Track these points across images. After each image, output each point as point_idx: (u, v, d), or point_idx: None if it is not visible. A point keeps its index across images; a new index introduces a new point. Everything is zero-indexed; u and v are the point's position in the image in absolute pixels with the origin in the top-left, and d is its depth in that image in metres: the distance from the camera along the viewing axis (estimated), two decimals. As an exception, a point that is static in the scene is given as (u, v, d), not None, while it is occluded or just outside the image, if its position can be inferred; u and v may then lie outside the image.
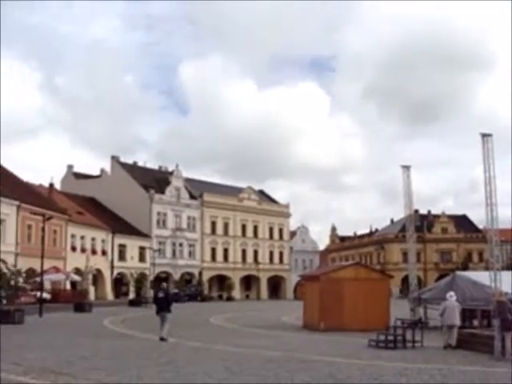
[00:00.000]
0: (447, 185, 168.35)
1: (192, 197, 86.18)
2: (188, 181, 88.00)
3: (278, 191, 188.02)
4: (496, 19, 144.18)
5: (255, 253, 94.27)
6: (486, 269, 63.36)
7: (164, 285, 22.44)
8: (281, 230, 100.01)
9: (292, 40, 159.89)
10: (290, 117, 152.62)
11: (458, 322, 19.19)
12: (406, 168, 32.11)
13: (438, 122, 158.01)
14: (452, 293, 19.92)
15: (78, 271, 58.30)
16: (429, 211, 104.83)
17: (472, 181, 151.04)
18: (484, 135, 24.26)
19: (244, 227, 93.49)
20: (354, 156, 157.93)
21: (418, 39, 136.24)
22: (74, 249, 63.51)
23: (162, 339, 19.81)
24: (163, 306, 20.41)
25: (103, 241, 69.72)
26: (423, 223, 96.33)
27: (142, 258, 75.87)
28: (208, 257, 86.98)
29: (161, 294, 20.85)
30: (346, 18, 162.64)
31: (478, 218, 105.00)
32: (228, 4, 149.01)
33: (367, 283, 26.71)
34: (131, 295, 64.80)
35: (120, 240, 72.99)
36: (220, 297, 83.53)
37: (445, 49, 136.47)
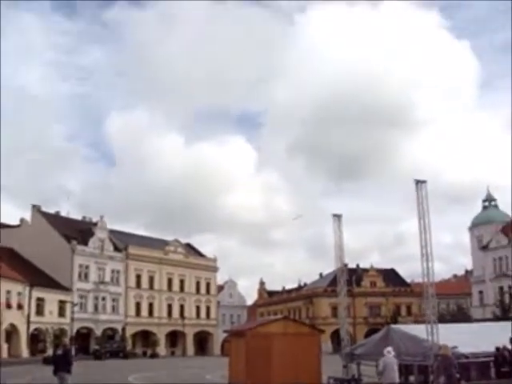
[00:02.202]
0: (373, 240, 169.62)
1: (116, 249, 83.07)
2: (112, 232, 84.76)
3: (206, 245, 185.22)
4: (419, 79, 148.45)
5: (181, 307, 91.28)
6: (415, 322, 63.25)
7: (66, 341, 20.19)
8: (208, 285, 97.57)
9: (220, 94, 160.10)
10: (217, 171, 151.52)
11: (397, 379, 17.71)
12: (337, 217, 30.95)
13: (363, 178, 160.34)
14: (390, 348, 18.44)
15: (-10, 327, 54.51)
16: (357, 265, 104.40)
17: (397, 235, 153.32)
18: (418, 182, 23.33)
19: (170, 281, 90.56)
20: (282, 211, 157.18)
21: (344, 96, 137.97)
22: (-14, 302, 59.52)
23: None
24: (61, 365, 18.11)
25: (19, 294, 65.59)
26: (352, 277, 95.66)
27: (61, 313, 71.89)
28: (132, 311, 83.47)
29: (59, 352, 18.55)
30: (273, 74, 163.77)
31: (405, 272, 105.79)
32: (156, 58, 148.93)
33: (296, 338, 25.14)
34: (49, 352, 60.97)
35: (38, 293, 68.94)
36: (144, 353, 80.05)
37: (369, 107, 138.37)
